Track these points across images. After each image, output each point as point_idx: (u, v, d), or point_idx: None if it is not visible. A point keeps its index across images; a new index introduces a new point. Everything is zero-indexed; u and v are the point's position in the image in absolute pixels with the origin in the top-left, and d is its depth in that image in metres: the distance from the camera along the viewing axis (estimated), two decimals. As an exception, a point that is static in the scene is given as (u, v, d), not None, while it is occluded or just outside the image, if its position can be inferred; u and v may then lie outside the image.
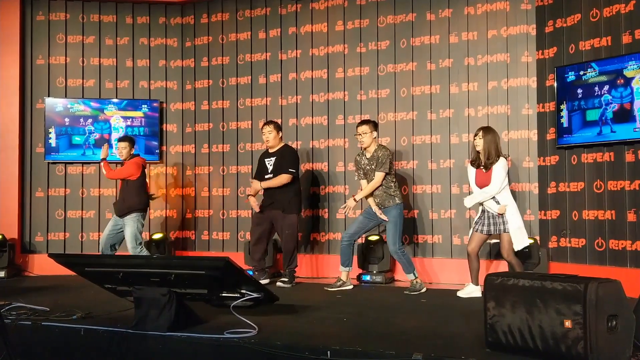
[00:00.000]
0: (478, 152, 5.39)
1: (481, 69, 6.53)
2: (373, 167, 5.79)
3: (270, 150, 6.34)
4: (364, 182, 5.93)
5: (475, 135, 5.43)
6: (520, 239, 5.25)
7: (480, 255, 5.55)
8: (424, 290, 5.69)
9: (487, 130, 5.40)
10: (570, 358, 2.88)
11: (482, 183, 5.36)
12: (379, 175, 5.74)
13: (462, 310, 4.69)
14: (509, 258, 5.30)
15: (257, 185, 6.23)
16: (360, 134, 5.84)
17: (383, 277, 6.31)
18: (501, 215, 5.26)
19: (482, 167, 5.37)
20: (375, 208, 5.79)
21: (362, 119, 6.27)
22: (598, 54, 5.73)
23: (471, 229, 5.51)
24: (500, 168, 5.27)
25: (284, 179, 6.13)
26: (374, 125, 5.90)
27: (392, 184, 5.83)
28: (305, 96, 7.25)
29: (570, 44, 6.00)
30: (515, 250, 5.26)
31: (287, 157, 6.22)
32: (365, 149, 5.86)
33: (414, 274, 5.74)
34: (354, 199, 5.83)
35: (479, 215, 5.45)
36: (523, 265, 5.54)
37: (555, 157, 6.12)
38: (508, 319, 3.13)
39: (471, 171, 5.47)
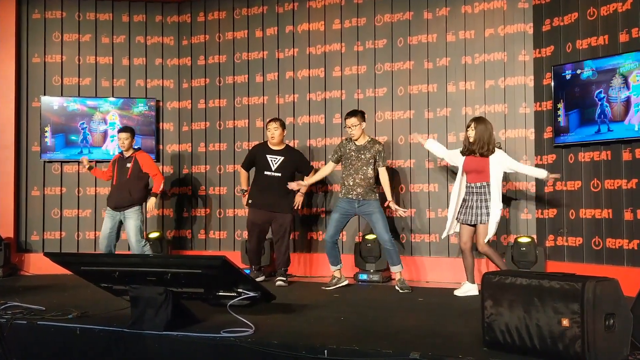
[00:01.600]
0: (470, 143, 5.40)
1: (478, 67, 6.53)
2: (362, 156, 5.80)
3: (273, 147, 6.31)
4: (330, 165, 6.02)
5: (468, 126, 5.45)
6: (492, 231, 5.31)
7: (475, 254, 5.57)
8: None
9: (479, 120, 5.43)
10: (567, 357, 2.88)
11: (474, 168, 5.36)
12: (384, 171, 5.84)
13: (460, 309, 4.69)
14: (483, 250, 5.31)
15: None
16: (350, 127, 5.83)
17: (380, 276, 6.31)
18: (486, 205, 5.28)
19: (474, 154, 5.38)
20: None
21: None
22: (595, 52, 5.73)
23: (451, 220, 5.49)
24: (503, 156, 5.38)
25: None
26: (362, 116, 5.89)
27: (375, 180, 5.88)
28: (303, 95, 7.24)
29: (568, 43, 6.00)
30: (485, 240, 5.30)
31: (300, 158, 6.49)
32: (355, 140, 5.89)
33: (401, 265, 5.78)
34: (391, 203, 5.83)
35: (459, 204, 5.44)
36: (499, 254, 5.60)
37: (552, 155, 6.12)
38: (506, 318, 3.13)
39: (460, 159, 5.48)
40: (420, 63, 6.75)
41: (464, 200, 5.43)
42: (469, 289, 5.40)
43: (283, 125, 6.37)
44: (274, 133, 6.26)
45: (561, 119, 5.90)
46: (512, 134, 6.36)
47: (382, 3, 6.93)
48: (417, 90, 6.76)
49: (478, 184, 5.35)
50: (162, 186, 6.50)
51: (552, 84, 5.98)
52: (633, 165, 5.42)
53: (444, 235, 5.67)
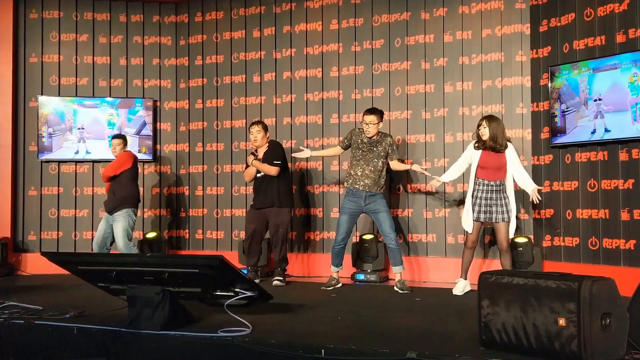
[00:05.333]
0: (484, 141, 5.35)
1: (475, 68, 6.54)
2: (374, 149, 5.81)
3: (259, 150, 6.30)
4: (338, 149, 6.10)
5: (479, 125, 5.41)
6: (513, 227, 5.36)
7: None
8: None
9: (491, 118, 5.41)
10: (564, 356, 2.88)
11: (491, 164, 5.33)
12: (397, 163, 5.88)
13: (457, 308, 4.69)
14: (507, 248, 5.34)
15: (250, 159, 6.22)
16: (367, 124, 5.78)
17: (377, 276, 6.31)
18: (507, 203, 5.31)
19: (489, 149, 5.35)
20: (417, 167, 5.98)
21: (367, 110, 5.96)
22: (592, 53, 5.75)
23: (465, 216, 5.46)
24: (514, 152, 5.38)
25: (270, 169, 6.11)
26: (381, 116, 5.86)
27: (385, 173, 5.88)
28: (300, 95, 7.24)
29: (565, 43, 6.01)
30: (511, 237, 5.37)
31: (272, 151, 6.19)
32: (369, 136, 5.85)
33: (403, 266, 5.79)
34: (414, 165, 5.95)
35: (472, 202, 5.38)
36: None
37: (549, 156, 6.13)
38: (502, 317, 3.13)
39: (476, 153, 5.41)
40: (418, 63, 6.76)
41: (479, 197, 5.35)
42: (465, 286, 5.43)
43: (265, 128, 6.28)
44: (256, 136, 6.21)
45: (558, 120, 5.91)
46: (509, 134, 6.34)
47: (380, 3, 6.93)
48: (414, 91, 6.77)
49: (498, 182, 5.33)
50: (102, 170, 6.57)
51: (549, 84, 5.99)
52: (630, 166, 5.43)
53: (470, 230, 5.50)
